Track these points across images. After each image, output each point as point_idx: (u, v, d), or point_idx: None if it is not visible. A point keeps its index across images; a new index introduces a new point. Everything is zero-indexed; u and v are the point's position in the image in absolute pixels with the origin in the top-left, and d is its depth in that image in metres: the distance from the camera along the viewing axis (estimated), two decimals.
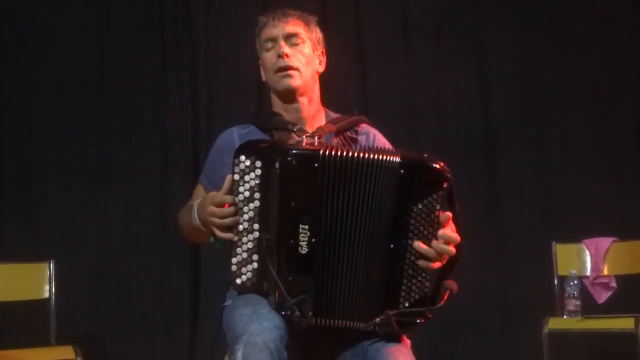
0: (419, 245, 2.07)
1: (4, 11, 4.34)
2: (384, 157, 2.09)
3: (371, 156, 2.09)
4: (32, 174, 4.31)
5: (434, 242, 2.08)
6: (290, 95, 2.41)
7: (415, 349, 4.30)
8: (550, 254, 4.13)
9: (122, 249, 4.21)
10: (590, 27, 4.40)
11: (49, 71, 4.33)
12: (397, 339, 2.15)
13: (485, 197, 4.41)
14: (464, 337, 4.25)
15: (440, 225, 2.09)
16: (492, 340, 4.27)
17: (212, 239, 2.26)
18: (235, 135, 2.42)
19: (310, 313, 2.08)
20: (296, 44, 2.42)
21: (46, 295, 3.87)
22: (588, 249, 4.13)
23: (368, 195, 2.08)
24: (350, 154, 2.09)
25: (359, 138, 2.44)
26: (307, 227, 2.09)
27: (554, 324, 3.84)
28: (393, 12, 4.52)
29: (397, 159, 2.08)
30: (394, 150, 2.22)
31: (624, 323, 3.73)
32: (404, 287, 2.09)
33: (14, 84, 4.35)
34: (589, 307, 3.94)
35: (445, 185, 2.07)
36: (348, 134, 2.42)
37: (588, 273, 4.10)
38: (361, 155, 2.09)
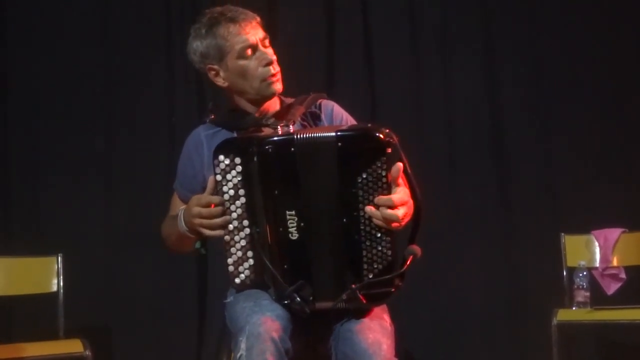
0: (369, 209, 2.06)
1: None
2: (321, 133, 2.10)
3: (310, 134, 2.10)
4: (38, 167, 4.31)
5: (380, 209, 2.05)
6: (270, 98, 2.38)
7: (425, 338, 4.30)
8: (559, 245, 4.11)
9: (129, 241, 4.20)
10: (597, 20, 4.37)
11: (55, 63, 4.32)
12: (366, 314, 2.14)
13: (493, 189, 4.39)
14: (474, 329, 4.24)
15: (390, 190, 2.07)
16: (501, 332, 4.26)
17: (197, 245, 2.25)
18: (202, 135, 2.40)
19: (311, 298, 2.08)
20: (268, 46, 2.36)
21: (54, 288, 3.88)
22: (597, 240, 4.11)
23: (321, 172, 2.09)
24: (315, 133, 2.10)
25: (321, 114, 2.41)
26: (293, 212, 2.10)
27: (563, 315, 3.82)
28: (400, 8, 4.49)
29: (332, 133, 2.08)
30: (338, 125, 2.24)
31: (634, 314, 3.72)
32: (365, 259, 2.09)
33: (20, 75, 4.34)
34: (598, 299, 3.92)
35: (388, 150, 2.06)
36: (311, 110, 2.40)
37: (597, 264, 4.08)
38: (304, 134, 2.09)
